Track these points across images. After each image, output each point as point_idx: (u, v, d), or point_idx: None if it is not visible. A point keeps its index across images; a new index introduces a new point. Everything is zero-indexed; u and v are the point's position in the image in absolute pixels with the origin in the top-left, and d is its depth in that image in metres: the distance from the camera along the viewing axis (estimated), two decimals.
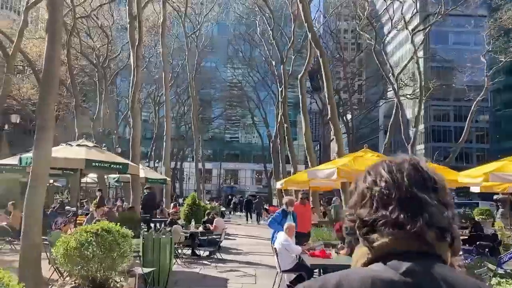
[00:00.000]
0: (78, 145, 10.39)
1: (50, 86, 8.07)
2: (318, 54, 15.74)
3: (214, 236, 11.53)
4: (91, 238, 4.98)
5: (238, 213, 37.43)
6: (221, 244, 12.21)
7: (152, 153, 51.39)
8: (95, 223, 6.99)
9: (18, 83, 29.63)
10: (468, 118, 31.38)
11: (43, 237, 7.64)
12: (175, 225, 12.12)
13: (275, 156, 43.13)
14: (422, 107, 33.29)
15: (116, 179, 18.00)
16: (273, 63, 38.10)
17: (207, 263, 11.27)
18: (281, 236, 7.62)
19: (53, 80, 8.17)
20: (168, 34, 39.02)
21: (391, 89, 50.89)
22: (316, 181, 17.11)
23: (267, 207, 33.43)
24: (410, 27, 32.45)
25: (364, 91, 65.61)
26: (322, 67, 15.09)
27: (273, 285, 7.84)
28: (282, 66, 30.03)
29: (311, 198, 15.02)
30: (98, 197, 15.01)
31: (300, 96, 22.24)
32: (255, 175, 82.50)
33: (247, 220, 30.48)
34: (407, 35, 35.30)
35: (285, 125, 29.20)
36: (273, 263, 11.91)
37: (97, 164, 9.65)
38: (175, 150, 58.32)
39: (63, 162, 9.57)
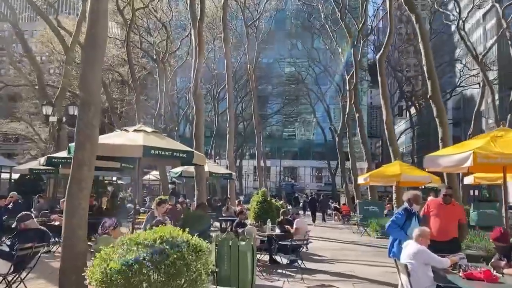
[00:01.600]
0: (135, 130, 8.63)
1: (95, 48, 6.28)
2: (414, 20, 13.17)
3: (298, 241, 9.36)
4: (145, 255, 2.95)
5: (301, 212, 35.05)
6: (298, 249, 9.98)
7: (212, 152, 50.25)
8: (154, 225, 5.07)
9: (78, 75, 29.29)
10: None
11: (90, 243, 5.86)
12: (248, 226, 10.10)
13: (341, 152, 40.45)
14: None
15: (178, 173, 16.35)
16: (339, 49, 35.31)
17: (290, 273, 9.12)
18: (412, 247, 5.29)
19: (99, 41, 6.36)
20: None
21: (463, 77, 46.65)
22: (408, 175, 14.50)
23: (337, 206, 30.77)
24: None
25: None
26: (419, 35, 12.49)
27: None
28: (353, 50, 27.31)
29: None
30: (170, 191, 13.28)
31: (379, 78, 19.57)
32: (315, 172, 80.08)
33: (313, 221, 27.99)
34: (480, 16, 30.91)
35: (357, 115, 26.55)
36: (371, 274, 9.64)
37: (157, 151, 7.82)
38: (233, 148, 57.30)
39: (117, 150, 7.83)
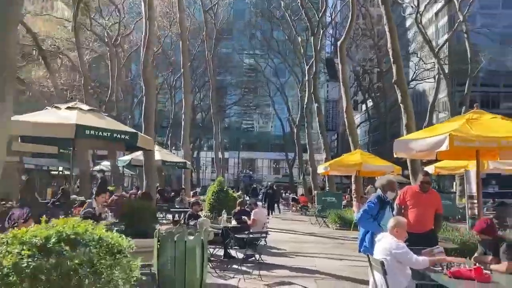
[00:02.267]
0: (69, 107, 7.42)
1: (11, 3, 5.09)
2: (380, 1, 12.56)
3: (256, 234, 8.50)
4: (30, 260, 1.96)
5: (260, 204, 34.34)
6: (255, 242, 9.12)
7: (169, 142, 48.63)
8: (82, 217, 4.03)
9: None
10: None
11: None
12: (201, 218, 9.17)
13: (299, 143, 40.17)
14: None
15: (127, 161, 15.07)
16: (299, 39, 34.73)
17: (247, 269, 8.26)
18: (388, 240, 4.55)
19: None
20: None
21: (418, 71, 47.53)
22: (369, 164, 14.01)
23: (295, 197, 30.34)
24: None
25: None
26: (385, 17, 11.92)
27: None
28: (313, 38, 26.74)
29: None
30: (99, 181, 12.04)
31: (339, 66, 19.06)
32: (273, 164, 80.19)
33: (269, 213, 27.27)
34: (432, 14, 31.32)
35: (316, 105, 26.06)
36: (333, 268, 8.94)
37: (93, 131, 6.68)
38: (191, 139, 55.85)
39: (43, 129, 6.63)
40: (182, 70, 20.40)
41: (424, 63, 42.52)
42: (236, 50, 61.80)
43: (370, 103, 58.22)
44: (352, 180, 19.30)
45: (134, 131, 7.62)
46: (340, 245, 12.42)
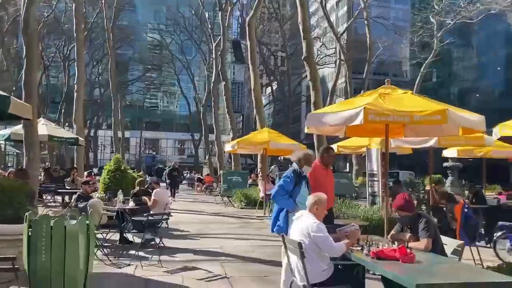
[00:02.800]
0: None
1: None
2: None
3: (156, 216, 7.63)
4: None
5: (163, 185, 33.03)
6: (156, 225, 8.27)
7: (61, 119, 44.56)
8: None
9: None
10: None
11: None
12: (93, 200, 8.05)
13: (205, 123, 39.42)
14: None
15: (6, 136, 13.03)
16: (206, 15, 33.60)
17: (145, 255, 7.42)
18: (307, 220, 4.06)
19: None
20: None
21: (319, 56, 49.18)
22: (276, 142, 13.78)
23: (200, 177, 29.66)
24: None
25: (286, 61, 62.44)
26: None
27: None
28: (220, 13, 25.86)
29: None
30: None
31: (248, 42, 18.55)
32: (178, 144, 78.58)
33: (173, 194, 26.30)
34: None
35: (223, 83, 25.40)
36: (240, 249, 8.44)
37: None
38: (88, 116, 51.96)
39: None
40: (75, 32, 18.17)
41: (326, 48, 43.99)
42: (140, 23, 58.47)
43: (274, 86, 59.14)
44: (258, 159, 19.15)
45: (4, 93, 6.24)
46: (246, 225, 12.06)
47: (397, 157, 20.15)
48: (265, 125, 17.36)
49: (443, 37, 30.93)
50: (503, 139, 8.58)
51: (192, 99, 57.16)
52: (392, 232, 4.57)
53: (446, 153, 16.19)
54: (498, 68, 49.78)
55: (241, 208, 16.57)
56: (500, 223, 7.59)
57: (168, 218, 7.90)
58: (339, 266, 4.07)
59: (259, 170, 18.98)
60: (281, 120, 58.26)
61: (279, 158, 35.34)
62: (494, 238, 7.44)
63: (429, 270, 3.30)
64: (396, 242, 4.15)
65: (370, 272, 4.77)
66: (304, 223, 4.03)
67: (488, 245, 7.96)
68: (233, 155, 26.23)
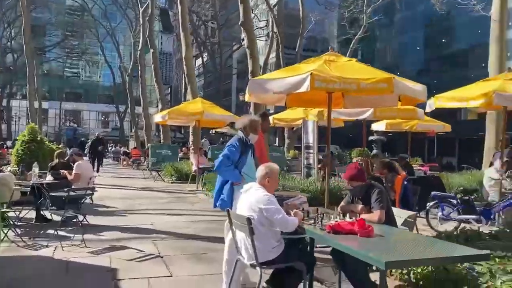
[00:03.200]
0: None
1: None
2: None
3: (79, 191, 6.81)
4: None
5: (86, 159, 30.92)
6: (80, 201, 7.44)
7: None
8: None
9: None
10: None
11: None
12: (3, 174, 7.02)
13: (131, 94, 37.48)
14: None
15: None
16: None
17: (67, 234, 6.64)
18: (256, 193, 3.65)
19: None
20: None
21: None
22: (210, 113, 13.22)
23: (127, 150, 28.24)
24: None
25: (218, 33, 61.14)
26: None
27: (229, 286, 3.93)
28: None
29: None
30: None
31: (179, 7, 17.45)
32: (102, 117, 74.85)
33: (98, 169, 24.83)
34: None
35: (151, 50, 23.99)
36: (173, 225, 7.83)
37: None
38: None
39: None
40: None
41: (259, 20, 43.46)
42: None
43: (205, 57, 57.72)
44: (190, 131, 18.43)
45: None
46: (178, 200, 11.48)
47: (325, 130, 20.48)
48: (197, 96, 16.62)
49: (371, 14, 31.70)
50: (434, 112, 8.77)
51: (117, 68, 54.09)
52: (342, 203, 4.31)
53: (374, 126, 16.68)
54: (418, 48, 52.56)
55: (171, 182, 15.89)
56: (433, 193, 7.77)
57: (92, 194, 7.11)
58: (284, 241, 3.73)
59: (190, 143, 18.30)
60: (212, 93, 57.16)
61: (210, 132, 34.68)
62: (427, 207, 7.61)
63: (390, 244, 3.06)
64: (348, 214, 3.89)
65: (318, 246, 4.52)
66: (253, 197, 3.61)
67: (420, 215, 8.17)
68: (162, 128, 25.22)
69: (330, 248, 5.29)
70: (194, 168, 14.31)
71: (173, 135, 41.27)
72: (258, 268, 3.48)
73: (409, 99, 6.57)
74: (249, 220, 3.39)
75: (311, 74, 5.44)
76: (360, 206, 4.04)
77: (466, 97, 7.40)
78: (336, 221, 3.48)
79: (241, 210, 3.70)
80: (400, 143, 34.25)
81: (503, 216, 7.42)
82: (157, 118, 13.92)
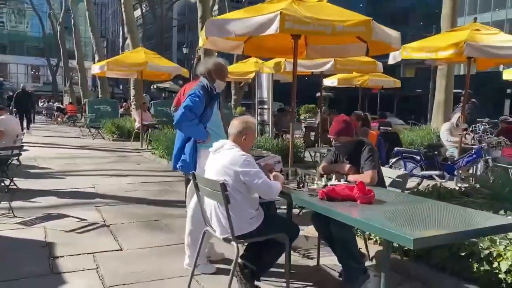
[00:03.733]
0: None
1: None
2: None
3: (4, 151, 5.73)
4: None
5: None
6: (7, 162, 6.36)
7: None
8: None
9: None
10: None
11: None
12: None
13: (64, 46, 34.38)
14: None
15: None
16: None
17: None
18: (230, 153, 2.94)
19: None
20: None
21: None
22: (154, 64, 12.11)
23: (61, 106, 26.13)
24: None
25: None
26: None
27: (194, 266, 3.26)
28: None
29: None
30: None
31: None
32: (31, 70, 69.50)
33: (27, 125, 22.69)
34: None
35: None
36: (118, 189, 6.96)
37: None
38: None
39: None
40: None
41: None
42: None
43: (144, 9, 54.22)
44: (131, 85, 17.08)
45: None
46: (122, 159, 10.52)
47: (277, 85, 19.95)
48: (139, 45, 15.21)
49: None
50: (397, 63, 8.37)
51: (47, 17, 49.52)
52: (324, 163, 3.72)
53: (326, 82, 16.26)
54: (361, 5, 52.63)
55: (113, 140, 14.74)
56: (396, 149, 7.51)
57: (20, 154, 6.06)
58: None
59: (132, 97, 16.99)
60: (151, 47, 54.27)
61: (152, 87, 32.90)
62: (390, 163, 7.33)
63: (402, 213, 2.51)
64: (333, 176, 3.32)
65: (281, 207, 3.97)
66: (226, 157, 2.91)
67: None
68: (100, 82, 23.41)
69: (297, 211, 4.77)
70: (137, 125, 13.26)
71: (110, 90, 38.95)
72: (234, 243, 2.84)
73: (381, 48, 6.00)
74: (223, 185, 2.70)
75: (280, 13, 4.67)
76: (347, 166, 3.47)
77: (435, 47, 6.99)
78: (330, 185, 2.89)
79: (210, 174, 3.00)
80: (345, 101, 34.60)
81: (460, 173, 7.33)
82: (95, 69, 12.53)
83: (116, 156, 10.97)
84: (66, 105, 27.08)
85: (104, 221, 5.03)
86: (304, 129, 15.45)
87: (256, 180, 2.83)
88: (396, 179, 3.60)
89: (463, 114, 7.81)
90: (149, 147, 11.79)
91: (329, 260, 3.86)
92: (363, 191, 2.64)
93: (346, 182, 3.10)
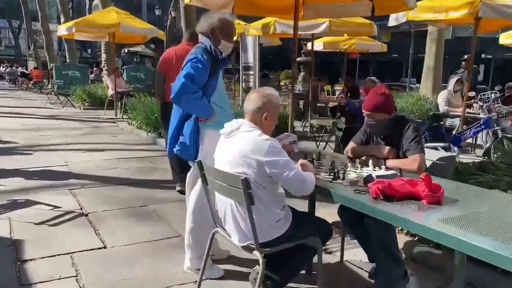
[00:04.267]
0: None
1: None
2: None
3: None
4: None
5: None
6: None
7: None
8: None
9: None
10: None
11: None
12: None
13: (26, 7, 32.01)
14: None
15: None
16: None
17: None
18: (250, 137, 2.26)
19: None
20: None
21: None
22: (128, 25, 11.06)
23: (25, 71, 24.46)
24: None
25: None
26: None
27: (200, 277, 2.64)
28: None
29: None
30: None
31: None
32: None
33: None
34: None
35: None
36: (94, 166, 6.17)
37: None
38: None
39: None
40: None
41: None
42: None
43: None
44: (102, 49, 15.85)
45: None
46: (96, 130, 9.65)
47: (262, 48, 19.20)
48: (110, 5, 13.95)
49: None
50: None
51: None
52: (352, 144, 3.07)
53: (310, 45, 15.53)
54: None
55: (84, 109, 13.74)
56: None
57: None
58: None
59: (103, 62, 15.82)
60: (121, 8, 51.66)
61: (122, 51, 31.22)
62: None
63: (485, 218, 1.89)
64: (370, 162, 2.68)
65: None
66: (245, 143, 2.23)
67: None
68: (67, 45, 21.84)
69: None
70: (110, 92, 12.28)
71: (78, 55, 36.96)
72: (257, 253, 2.21)
73: (390, 6, 5.36)
74: (246, 181, 2.03)
75: None
76: (386, 148, 2.84)
77: (446, 7, 6.36)
78: (375, 175, 2.25)
79: (223, 163, 2.32)
80: (326, 66, 33.87)
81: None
82: (62, 30, 11.35)
83: (89, 127, 10.08)
84: (31, 70, 25.39)
85: (81, 209, 4.32)
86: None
87: (286, 172, 2.17)
88: (438, 161, 2.99)
89: (468, 80, 7.29)
90: (124, 117, 10.92)
91: (352, 255, 3.32)
92: (429, 188, 2.02)
93: (391, 171, 2.47)
